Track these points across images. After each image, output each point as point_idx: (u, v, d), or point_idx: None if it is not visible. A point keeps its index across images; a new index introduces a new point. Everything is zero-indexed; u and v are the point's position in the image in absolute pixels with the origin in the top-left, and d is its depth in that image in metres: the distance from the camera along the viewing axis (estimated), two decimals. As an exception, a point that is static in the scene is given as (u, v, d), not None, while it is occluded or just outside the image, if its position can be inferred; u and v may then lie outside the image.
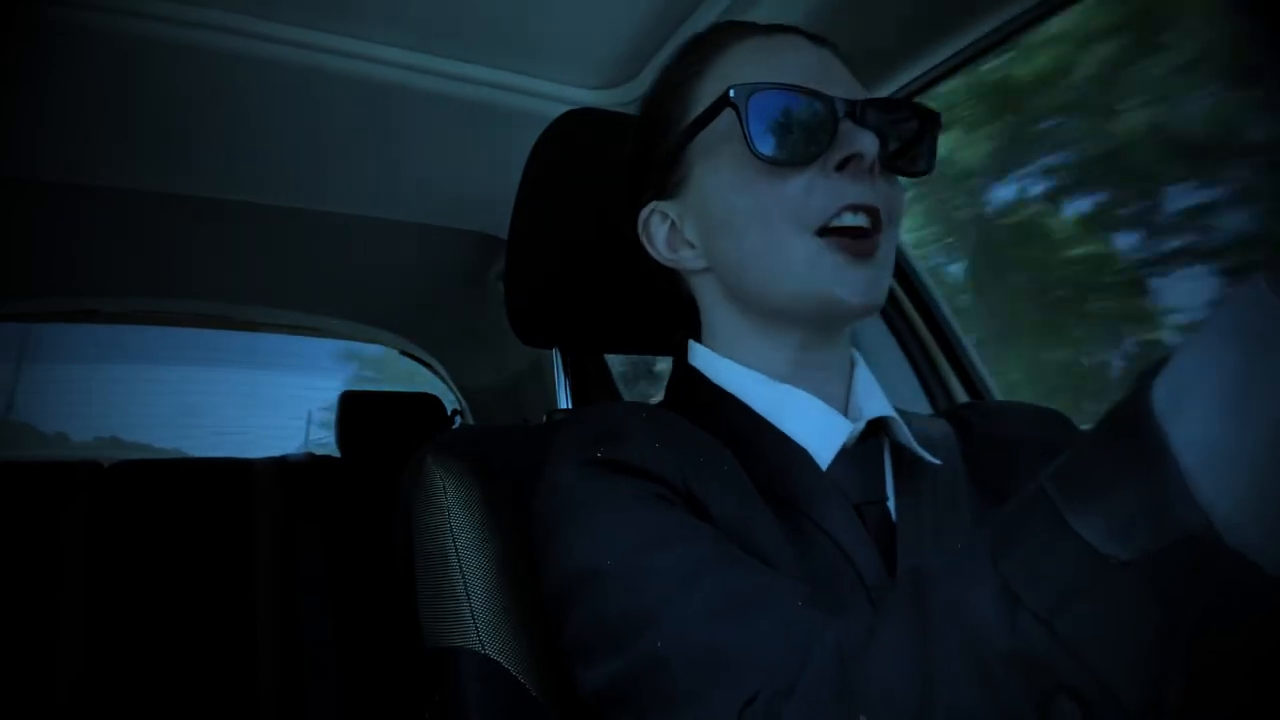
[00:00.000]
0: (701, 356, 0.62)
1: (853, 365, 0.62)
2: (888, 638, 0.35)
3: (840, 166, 0.53)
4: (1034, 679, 0.30)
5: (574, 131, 0.76)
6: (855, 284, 0.54)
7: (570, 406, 0.91)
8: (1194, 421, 0.28)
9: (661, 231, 0.62)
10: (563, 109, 0.78)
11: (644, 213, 0.63)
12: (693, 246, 0.60)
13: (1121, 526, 0.29)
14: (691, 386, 0.62)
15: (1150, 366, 0.31)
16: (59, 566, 1.55)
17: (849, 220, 0.54)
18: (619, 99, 1.19)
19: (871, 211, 0.54)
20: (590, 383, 1.76)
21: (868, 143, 0.53)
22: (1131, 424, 0.30)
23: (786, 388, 0.58)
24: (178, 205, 1.43)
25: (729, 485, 0.52)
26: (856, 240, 0.54)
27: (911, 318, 1.23)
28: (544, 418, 0.79)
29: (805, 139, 0.53)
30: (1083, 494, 0.30)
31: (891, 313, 1.24)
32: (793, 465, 0.55)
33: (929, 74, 1.00)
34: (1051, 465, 0.33)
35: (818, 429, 0.56)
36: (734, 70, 0.57)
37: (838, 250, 0.53)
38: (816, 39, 0.60)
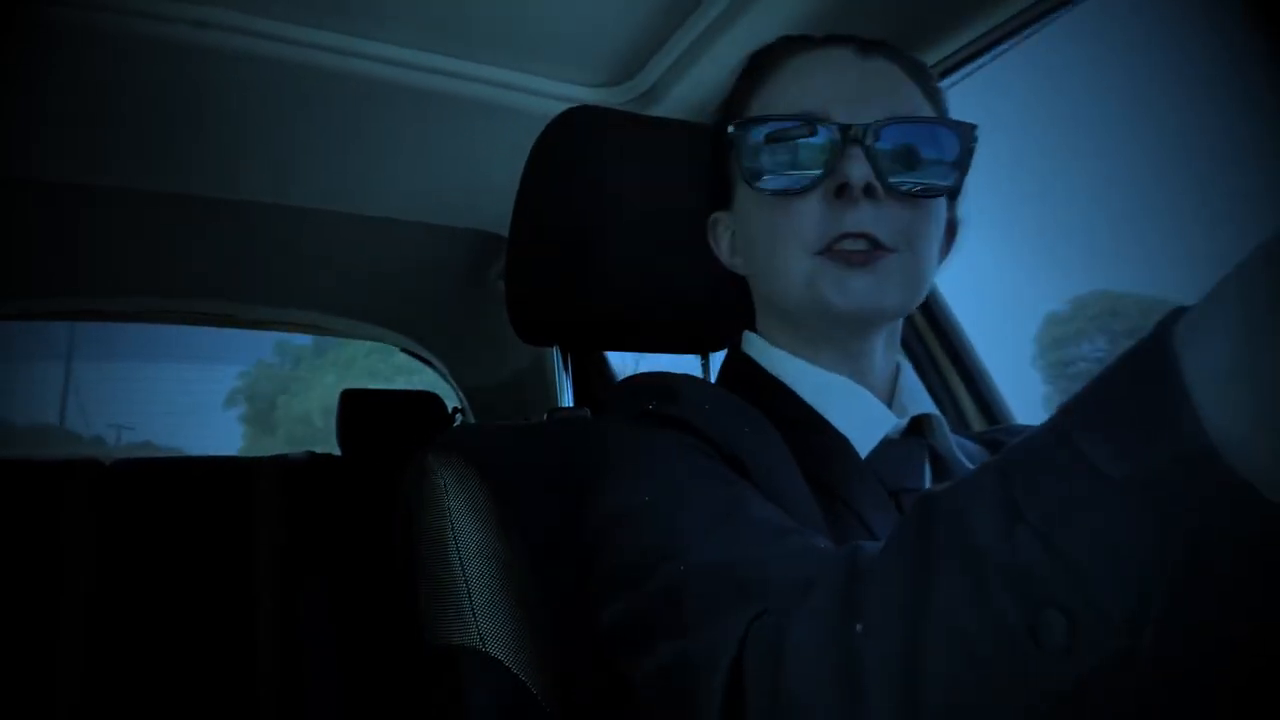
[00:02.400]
0: (754, 345, 0.65)
1: (898, 371, 0.64)
2: (891, 550, 0.36)
3: (839, 193, 0.55)
4: (1025, 591, 0.30)
5: (574, 129, 0.76)
6: (849, 290, 0.56)
7: (572, 405, 0.91)
8: (1208, 347, 0.28)
9: (725, 238, 0.67)
10: (563, 107, 0.78)
11: (712, 218, 0.68)
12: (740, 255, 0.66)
13: (1124, 444, 0.29)
14: (741, 372, 0.65)
15: (1180, 308, 0.31)
16: (59, 565, 1.55)
17: (848, 245, 0.56)
18: (619, 97, 1.19)
19: (869, 237, 0.56)
20: (591, 381, 1.76)
21: (856, 172, 0.54)
22: (1150, 348, 0.30)
23: (834, 376, 0.60)
24: (177, 204, 1.43)
25: (773, 459, 0.54)
26: (854, 251, 0.56)
27: (926, 338, 1.23)
28: (545, 416, 0.79)
29: (803, 168, 0.56)
30: (1091, 414, 0.31)
31: (906, 333, 1.23)
32: (832, 451, 0.57)
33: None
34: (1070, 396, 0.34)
35: (861, 418, 0.59)
36: (778, 91, 0.61)
37: (836, 261, 0.56)
38: (867, 47, 0.60)
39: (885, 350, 0.63)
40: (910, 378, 0.64)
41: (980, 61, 0.97)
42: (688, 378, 0.60)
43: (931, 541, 0.34)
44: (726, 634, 0.39)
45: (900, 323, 0.64)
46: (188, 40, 0.99)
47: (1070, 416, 0.32)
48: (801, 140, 0.56)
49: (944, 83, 1.03)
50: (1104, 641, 0.29)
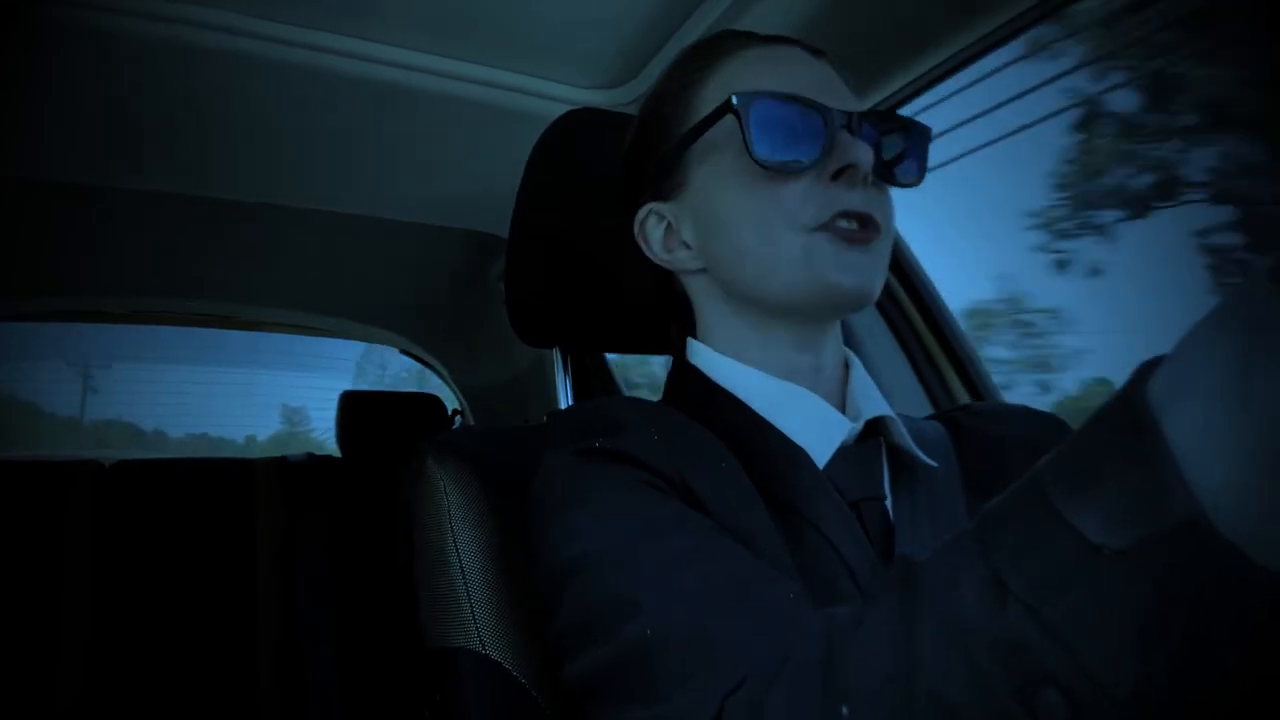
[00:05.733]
0: (700, 354, 0.63)
1: (848, 368, 0.63)
2: (873, 626, 0.35)
3: (835, 176, 0.55)
4: (1020, 669, 0.30)
5: (574, 131, 0.77)
6: (851, 268, 0.55)
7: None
8: (1189, 411, 0.28)
9: (658, 233, 0.63)
10: (563, 109, 0.78)
11: (640, 214, 0.64)
12: (688, 247, 0.62)
13: (1113, 515, 0.29)
14: (689, 384, 0.62)
15: (1149, 361, 0.31)
16: (60, 566, 1.55)
17: (842, 225, 0.55)
18: (619, 99, 1.19)
19: (863, 219, 0.56)
20: (591, 382, 1.76)
21: (863, 154, 0.54)
22: (1126, 414, 0.30)
23: (786, 384, 0.58)
24: (176, 205, 1.43)
25: (725, 481, 0.52)
26: (851, 231, 0.55)
27: (911, 317, 1.23)
28: (544, 417, 0.79)
29: (803, 148, 0.55)
30: (1075, 483, 0.30)
31: (891, 312, 1.23)
32: (789, 463, 0.55)
33: (922, 78, 1.00)
34: (1045, 457, 0.33)
35: (816, 427, 0.57)
36: (735, 78, 0.59)
37: (834, 238, 0.55)
38: (814, 51, 0.61)
39: (834, 346, 0.62)
40: (861, 375, 0.62)
41: (977, 65, 0.98)
42: (628, 404, 0.57)
43: (917, 618, 0.33)
44: (698, 708, 0.38)
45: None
46: (189, 41, 0.99)
47: (1053, 485, 0.31)
48: (802, 120, 0.55)
49: (940, 86, 1.04)
50: (1105, 716, 0.28)
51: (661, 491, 0.50)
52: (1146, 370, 0.30)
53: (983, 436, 0.65)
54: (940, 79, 1.00)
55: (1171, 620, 0.27)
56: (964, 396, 1.19)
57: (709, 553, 0.45)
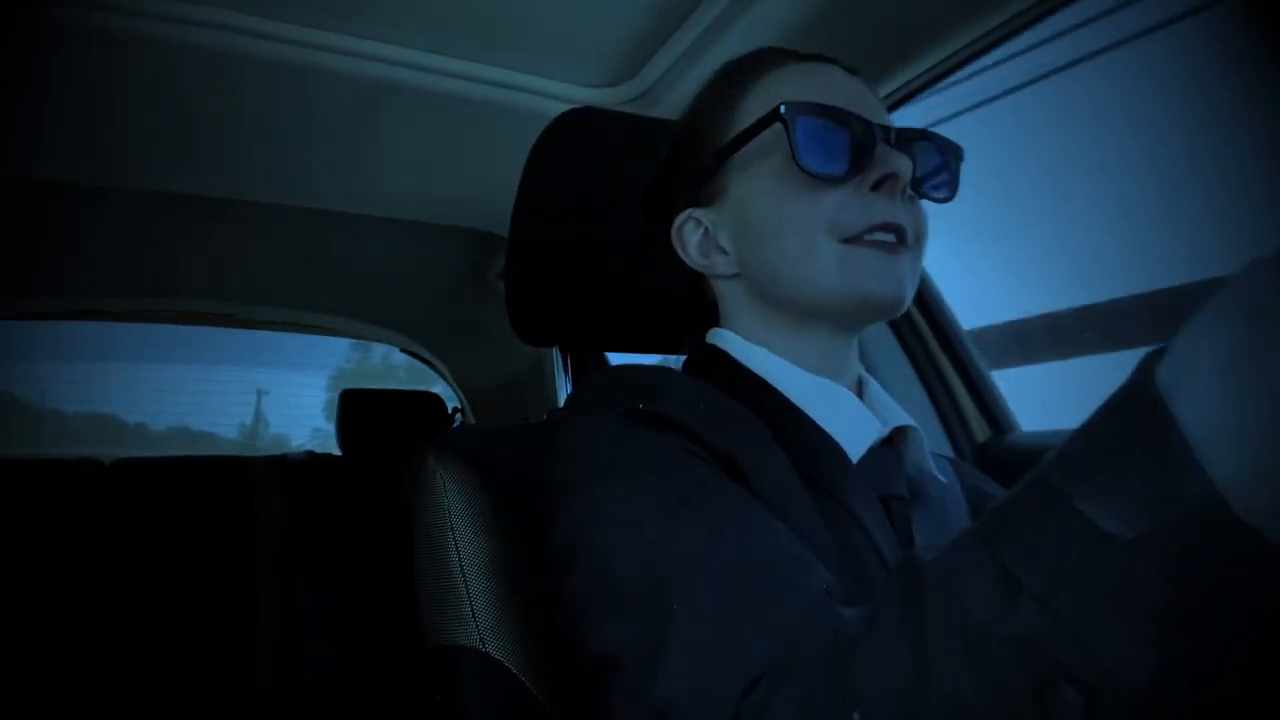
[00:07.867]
0: (728, 340, 0.63)
1: (862, 383, 0.64)
2: (883, 630, 0.35)
3: (875, 186, 0.56)
4: (1034, 664, 0.29)
5: (574, 130, 0.77)
6: (885, 277, 0.56)
7: (571, 405, 0.91)
8: (1199, 395, 0.27)
9: (695, 238, 0.64)
10: (563, 107, 0.78)
11: (678, 220, 0.65)
12: (725, 253, 0.63)
13: (1127, 503, 0.28)
14: (716, 365, 0.63)
15: (1154, 350, 0.30)
16: (60, 564, 1.55)
17: (880, 236, 0.57)
18: (619, 97, 1.19)
19: (899, 231, 0.57)
20: (591, 381, 1.76)
21: (903, 165, 0.56)
22: (1135, 401, 0.29)
23: (823, 380, 0.60)
24: (176, 204, 1.43)
25: (767, 458, 0.53)
26: (887, 242, 0.57)
27: (927, 340, 1.23)
28: (544, 416, 0.79)
29: (845, 158, 0.56)
30: (1086, 473, 0.30)
31: (907, 335, 1.23)
32: (826, 452, 0.56)
33: (921, 77, 1.00)
34: (1051, 452, 0.32)
35: (850, 424, 0.58)
36: (777, 91, 0.60)
37: (869, 249, 0.56)
38: (849, 70, 0.63)
39: (854, 364, 0.63)
40: (877, 390, 0.64)
41: (970, 69, 0.98)
42: (675, 373, 0.58)
43: (927, 620, 0.33)
44: (716, 702, 0.38)
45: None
46: (188, 40, 0.99)
47: (1064, 477, 0.30)
48: (846, 131, 0.56)
49: (936, 89, 1.04)
50: (1122, 713, 0.28)
51: (701, 459, 0.50)
52: (1153, 359, 0.30)
53: (978, 488, 0.68)
54: (937, 80, 1.01)
55: (1188, 612, 0.27)
56: (977, 420, 1.19)
57: (745, 530, 0.45)
